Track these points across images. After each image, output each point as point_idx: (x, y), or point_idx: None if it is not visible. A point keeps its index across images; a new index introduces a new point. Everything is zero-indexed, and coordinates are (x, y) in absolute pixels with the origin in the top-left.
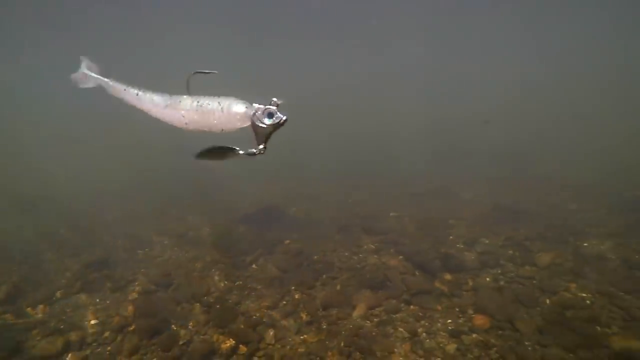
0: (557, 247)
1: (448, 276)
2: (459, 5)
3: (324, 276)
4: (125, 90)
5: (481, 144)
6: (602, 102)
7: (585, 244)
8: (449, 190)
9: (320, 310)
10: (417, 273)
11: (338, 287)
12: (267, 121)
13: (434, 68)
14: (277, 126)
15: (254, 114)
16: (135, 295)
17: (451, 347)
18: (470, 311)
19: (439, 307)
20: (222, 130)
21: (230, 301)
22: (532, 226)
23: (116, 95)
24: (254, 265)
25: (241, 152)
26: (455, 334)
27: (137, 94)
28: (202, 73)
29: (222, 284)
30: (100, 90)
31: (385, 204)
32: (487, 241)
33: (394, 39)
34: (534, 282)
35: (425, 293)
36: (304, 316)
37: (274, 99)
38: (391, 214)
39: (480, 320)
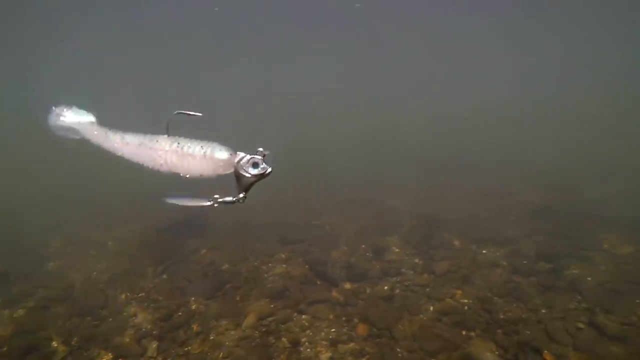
0: (457, 255)
1: (348, 285)
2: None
3: (228, 286)
4: (96, 132)
5: (426, 151)
6: (587, 107)
7: (484, 251)
8: (376, 198)
9: (213, 320)
10: (318, 282)
11: (237, 298)
12: (252, 171)
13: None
14: (261, 177)
15: (238, 162)
16: (22, 312)
17: (325, 356)
18: (356, 320)
19: (331, 317)
20: (201, 175)
21: (124, 314)
22: (442, 234)
23: (87, 136)
24: (164, 275)
25: (219, 201)
26: (334, 343)
27: (106, 134)
28: (185, 114)
29: (123, 296)
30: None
31: (310, 213)
32: (397, 250)
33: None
34: (427, 289)
35: (321, 302)
36: (194, 327)
37: (260, 149)
38: (313, 223)
39: (361, 328)
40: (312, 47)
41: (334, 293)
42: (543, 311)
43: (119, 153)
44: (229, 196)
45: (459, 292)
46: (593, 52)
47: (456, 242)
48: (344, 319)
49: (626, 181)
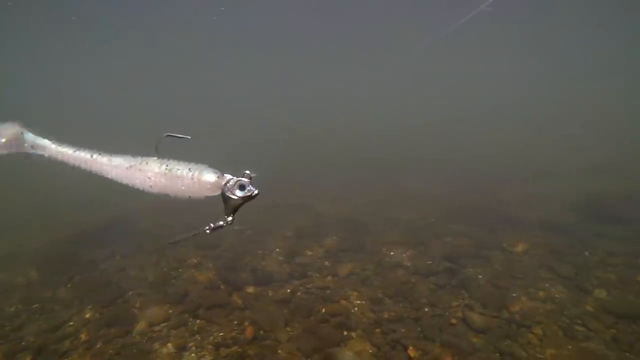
0: (366, 258)
1: (251, 289)
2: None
3: (130, 293)
4: (74, 152)
5: (389, 154)
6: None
7: (391, 253)
8: (308, 202)
9: (104, 329)
10: (222, 287)
11: (137, 304)
12: (239, 193)
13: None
14: (247, 199)
15: (225, 184)
16: None
17: None
18: (247, 323)
19: (225, 321)
20: (190, 197)
21: (7, 328)
22: (359, 237)
23: (60, 159)
24: (69, 284)
25: (208, 229)
26: (218, 347)
27: (92, 156)
28: (174, 137)
29: (13, 309)
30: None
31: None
32: (310, 253)
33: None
34: (327, 292)
35: (219, 307)
36: (82, 336)
37: (247, 172)
38: (234, 228)
39: (249, 331)
40: (307, 49)
41: (235, 297)
42: (426, 310)
43: (108, 176)
44: (214, 221)
45: (355, 293)
46: (593, 52)
47: (369, 245)
48: (235, 322)
49: (549, 181)
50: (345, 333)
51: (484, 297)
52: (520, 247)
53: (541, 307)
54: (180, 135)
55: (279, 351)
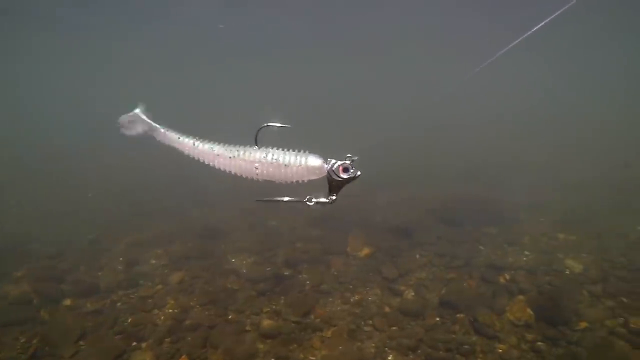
0: (206, 265)
1: (69, 302)
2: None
3: None
4: (179, 139)
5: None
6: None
7: (233, 260)
8: (181, 208)
9: None
10: (34, 301)
11: None
12: (344, 175)
13: None
14: (351, 180)
15: (331, 168)
16: None
17: None
18: (36, 340)
19: (13, 339)
20: (295, 182)
21: None
22: (212, 244)
23: (167, 143)
24: None
25: (313, 201)
26: None
27: (194, 144)
28: (274, 126)
29: None
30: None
31: (94, 226)
32: (153, 261)
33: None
34: (148, 301)
35: (18, 324)
36: None
37: (349, 155)
38: (89, 237)
39: (32, 349)
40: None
41: (43, 312)
42: (229, 317)
43: (210, 163)
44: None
45: (172, 302)
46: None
47: (217, 251)
48: (23, 340)
49: (425, 185)
50: (134, 343)
51: (297, 302)
52: (364, 252)
53: (347, 311)
54: (280, 125)
55: None
